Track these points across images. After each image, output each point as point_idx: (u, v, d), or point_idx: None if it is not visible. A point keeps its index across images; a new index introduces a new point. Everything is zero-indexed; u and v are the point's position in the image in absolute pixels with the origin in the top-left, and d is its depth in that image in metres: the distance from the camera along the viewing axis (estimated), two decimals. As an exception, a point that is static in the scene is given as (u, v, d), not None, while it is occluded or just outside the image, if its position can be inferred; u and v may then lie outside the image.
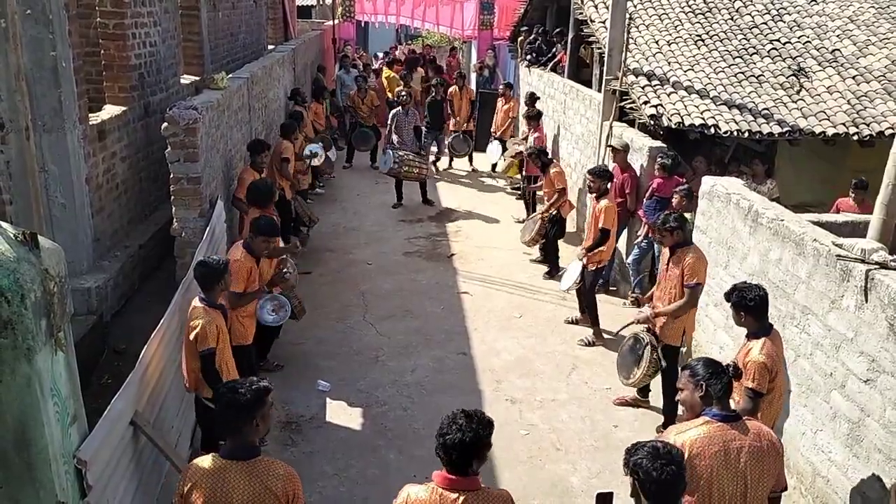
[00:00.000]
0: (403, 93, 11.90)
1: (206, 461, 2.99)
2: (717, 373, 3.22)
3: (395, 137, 11.29)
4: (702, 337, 6.28)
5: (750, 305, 4.14)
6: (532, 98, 11.58)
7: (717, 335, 6.08)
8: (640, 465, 2.61)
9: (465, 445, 2.79)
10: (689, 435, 3.15)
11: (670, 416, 5.57)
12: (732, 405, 3.42)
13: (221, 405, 3.04)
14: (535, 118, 10.56)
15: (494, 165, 13.20)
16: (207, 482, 2.91)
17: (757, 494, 3.16)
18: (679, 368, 5.57)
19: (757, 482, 3.14)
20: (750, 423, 3.27)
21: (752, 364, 4.03)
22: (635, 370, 5.63)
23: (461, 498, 2.81)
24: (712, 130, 8.25)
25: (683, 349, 5.80)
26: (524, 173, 11.11)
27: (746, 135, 8.35)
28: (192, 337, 4.30)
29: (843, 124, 8.40)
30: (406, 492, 2.93)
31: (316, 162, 9.92)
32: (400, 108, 11.40)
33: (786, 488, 3.35)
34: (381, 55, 18.67)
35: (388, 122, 11.54)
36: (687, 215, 6.98)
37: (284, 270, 5.89)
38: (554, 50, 13.27)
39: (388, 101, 14.66)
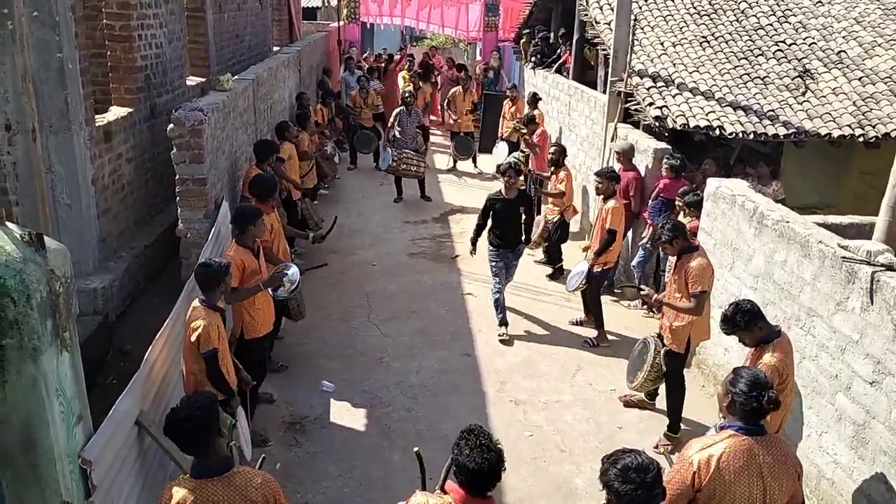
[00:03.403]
0: (407, 93, 12.00)
1: (179, 485, 2.97)
2: (753, 396, 3.15)
3: (397, 133, 11.43)
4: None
5: (755, 312, 4.12)
6: (534, 98, 11.56)
7: (721, 337, 6.05)
8: (610, 486, 2.62)
9: (499, 464, 2.77)
10: (715, 450, 3.14)
11: (675, 421, 5.56)
12: None
13: (187, 432, 3.00)
14: (530, 122, 10.43)
15: (499, 167, 13.17)
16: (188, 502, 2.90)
17: None
18: (683, 374, 5.60)
19: (776, 497, 3.14)
20: (774, 440, 3.26)
21: (763, 367, 4.01)
22: (638, 374, 5.64)
23: None
24: (717, 132, 8.23)
25: (694, 356, 5.76)
26: (530, 171, 11.08)
27: (752, 136, 8.33)
28: (193, 338, 4.29)
29: (849, 126, 8.37)
30: (418, 499, 2.86)
31: (336, 159, 10.15)
32: (403, 107, 11.51)
33: (803, 503, 3.33)
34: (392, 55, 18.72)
35: (391, 119, 11.66)
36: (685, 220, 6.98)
37: (285, 273, 5.79)
38: (559, 51, 13.26)
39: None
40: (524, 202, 7.29)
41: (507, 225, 7.19)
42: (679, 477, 3.12)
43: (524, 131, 10.36)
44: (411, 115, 11.54)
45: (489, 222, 7.26)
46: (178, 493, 2.93)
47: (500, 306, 7.28)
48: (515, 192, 7.17)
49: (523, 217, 7.27)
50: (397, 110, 11.68)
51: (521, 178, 7.50)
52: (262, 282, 5.35)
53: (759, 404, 3.16)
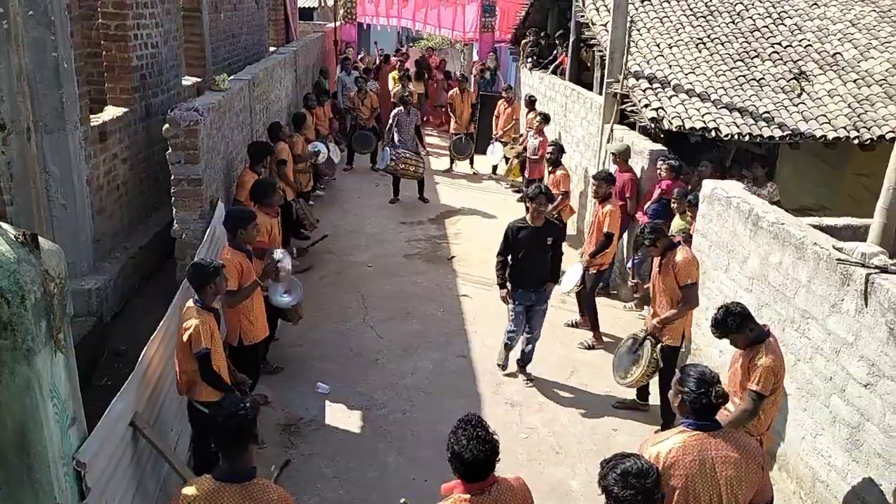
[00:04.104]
0: (406, 93, 11.99)
1: (200, 483, 2.96)
2: (701, 393, 3.15)
3: (395, 136, 11.39)
4: (701, 340, 6.28)
5: (746, 314, 4.13)
6: (531, 101, 11.61)
7: (715, 339, 6.07)
8: (610, 490, 2.63)
9: (494, 453, 2.80)
10: (664, 446, 3.13)
11: (669, 419, 5.56)
12: (730, 406, 3.39)
13: (225, 428, 2.96)
14: (546, 121, 10.63)
15: (495, 167, 13.21)
16: None
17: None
18: (676, 371, 5.61)
19: (733, 492, 3.10)
20: (729, 433, 3.23)
21: (760, 368, 4.02)
22: (633, 370, 5.62)
23: (487, 496, 2.82)
24: (713, 134, 8.25)
25: (682, 350, 5.80)
26: (526, 176, 11.13)
27: (747, 138, 8.35)
28: (185, 338, 4.28)
29: (844, 128, 8.40)
30: None
31: (320, 159, 9.98)
32: (402, 107, 11.48)
33: (771, 501, 3.31)
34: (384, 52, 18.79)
35: (390, 120, 11.64)
36: (681, 223, 7.01)
37: (277, 260, 5.82)
38: (555, 52, 13.28)
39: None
40: (553, 232, 6.14)
41: (531, 259, 6.03)
42: None
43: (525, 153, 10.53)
44: (410, 115, 11.50)
45: (510, 256, 6.16)
46: (195, 493, 2.91)
47: (508, 350, 6.51)
48: (543, 220, 6.06)
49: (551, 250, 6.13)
50: (396, 111, 11.64)
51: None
52: (258, 278, 5.36)
53: (708, 401, 3.15)
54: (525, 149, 11.01)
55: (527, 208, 6.23)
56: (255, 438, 3.04)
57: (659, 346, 5.57)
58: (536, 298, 6.19)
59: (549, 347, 7.13)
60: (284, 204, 8.46)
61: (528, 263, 6.06)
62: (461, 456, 2.77)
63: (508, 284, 6.22)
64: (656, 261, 5.64)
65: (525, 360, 6.49)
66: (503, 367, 6.59)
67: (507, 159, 12.30)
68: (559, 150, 8.88)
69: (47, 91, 5.31)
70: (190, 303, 4.45)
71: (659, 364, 5.57)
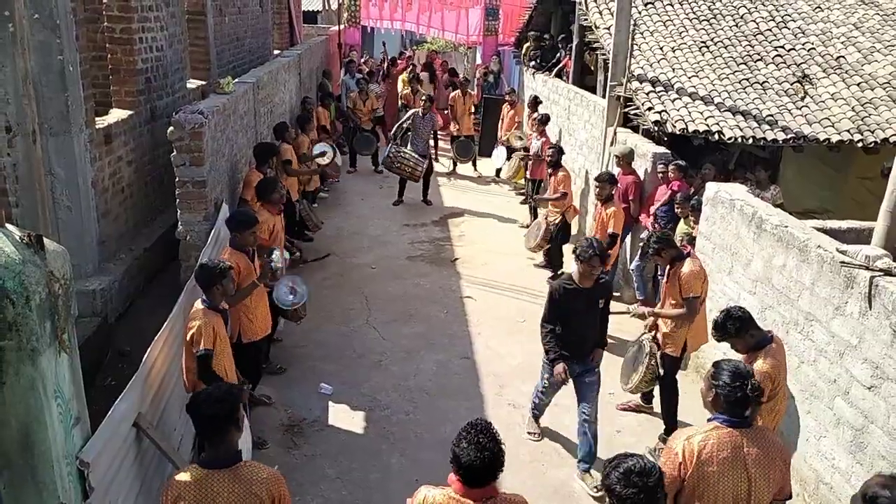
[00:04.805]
0: (425, 96, 12.00)
1: (187, 473, 2.99)
2: (735, 387, 3.16)
3: (409, 136, 11.39)
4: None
5: (746, 318, 4.12)
6: (535, 101, 11.62)
7: (720, 341, 6.06)
8: (612, 490, 2.64)
9: (494, 463, 2.78)
10: (696, 440, 3.15)
11: (671, 424, 5.56)
12: None
13: (201, 416, 3.02)
14: (544, 122, 10.65)
15: (499, 171, 13.23)
16: (191, 494, 2.91)
17: (760, 501, 3.16)
18: (677, 378, 5.61)
19: (762, 489, 3.14)
20: (759, 431, 3.26)
21: (756, 374, 4.01)
22: (633, 376, 5.64)
23: None
24: (716, 137, 8.25)
25: (692, 359, 5.78)
26: (528, 176, 11.13)
27: (751, 141, 8.34)
28: (188, 337, 4.35)
29: (848, 131, 8.39)
30: (423, 493, 2.90)
31: (324, 160, 9.92)
32: (419, 110, 11.49)
33: (790, 496, 3.33)
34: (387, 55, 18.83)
35: (405, 121, 11.61)
36: (685, 227, 7.00)
37: (271, 261, 5.80)
38: (558, 56, 13.30)
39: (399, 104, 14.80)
40: (605, 293, 5.25)
41: (580, 322, 5.17)
42: (666, 469, 3.12)
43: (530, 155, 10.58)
44: (425, 119, 11.44)
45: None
46: (184, 481, 2.95)
47: (537, 417, 5.76)
48: (592, 281, 5.09)
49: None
50: (412, 112, 11.64)
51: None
52: (257, 278, 5.39)
53: (743, 394, 3.16)
54: (528, 149, 11.01)
55: (580, 270, 5.07)
56: (237, 424, 3.06)
57: (659, 353, 5.57)
58: (581, 369, 5.28)
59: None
60: (288, 203, 8.49)
61: (577, 326, 5.18)
62: (459, 459, 2.78)
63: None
64: (667, 269, 5.63)
65: (589, 456, 5.23)
66: (538, 437, 5.75)
67: (509, 157, 12.30)
68: (558, 151, 8.92)
69: (53, 94, 5.35)
70: (198, 303, 4.50)
71: (658, 371, 5.56)
